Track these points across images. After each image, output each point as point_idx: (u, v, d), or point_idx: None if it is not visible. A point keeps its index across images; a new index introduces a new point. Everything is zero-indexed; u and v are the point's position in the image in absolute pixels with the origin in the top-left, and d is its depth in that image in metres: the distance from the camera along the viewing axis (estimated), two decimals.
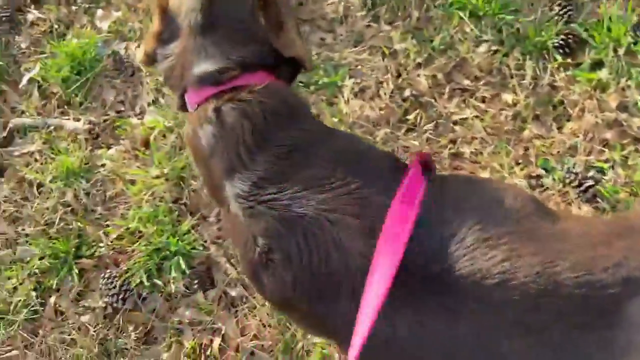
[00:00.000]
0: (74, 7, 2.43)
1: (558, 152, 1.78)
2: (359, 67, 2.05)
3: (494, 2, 2.00)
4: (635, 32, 1.87)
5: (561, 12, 1.95)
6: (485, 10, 2.01)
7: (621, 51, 1.84)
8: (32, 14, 2.44)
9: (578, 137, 1.78)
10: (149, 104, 2.13)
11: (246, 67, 1.06)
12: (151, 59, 1.16)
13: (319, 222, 0.91)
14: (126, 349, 1.74)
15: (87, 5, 2.42)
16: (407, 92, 1.97)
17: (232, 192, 1.00)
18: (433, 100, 1.94)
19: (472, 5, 2.02)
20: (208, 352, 1.70)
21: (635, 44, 1.86)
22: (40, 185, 2.05)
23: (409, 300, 0.86)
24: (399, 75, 2.00)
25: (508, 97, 1.89)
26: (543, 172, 1.76)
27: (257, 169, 0.98)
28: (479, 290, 0.83)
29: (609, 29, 1.88)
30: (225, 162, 1.01)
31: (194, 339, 1.72)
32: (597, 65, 1.88)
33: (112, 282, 1.79)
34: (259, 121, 1.01)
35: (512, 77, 1.91)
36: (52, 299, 1.85)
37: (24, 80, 2.28)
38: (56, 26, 2.38)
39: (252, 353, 1.68)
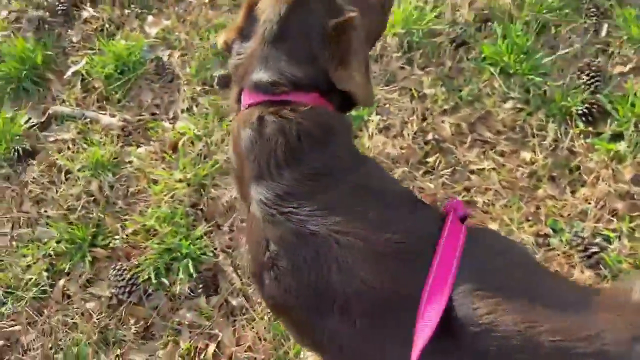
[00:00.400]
0: (127, 10, 2.56)
1: (568, 215, 1.82)
2: (387, 105, 2.13)
3: (525, 63, 2.09)
4: None
5: (589, 82, 2.02)
6: (516, 69, 2.09)
7: None
8: (87, 12, 2.58)
9: (590, 203, 1.83)
10: (182, 111, 2.23)
11: (298, 86, 1.13)
12: (228, 48, 1.25)
13: (329, 242, 0.98)
14: (124, 340, 1.79)
15: (139, 10, 2.55)
16: (430, 136, 2.04)
17: (256, 196, 1.07)
18: (454, 147, 2.00)
19: (503, 62, 2.11)
20: (202, 356, 1.74)
21: None
22: (68, 172, 2.14)
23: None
24: (425, 119, 2.08)
25: (527, 155, 1.95)
26: (551, 232, 1.80)
27: (283, 183, 1.05)
28: (464, 335, 0.88)
29: (633, 105, 1.94)
30: (256, 168, 1.09)
31: (190, 341, 1.77)
32: (617, 137, 1.93)
33: (121, 275, 1.85)
34: (293, 140, 1.08)
35: (533, 137, 1.97)
36: (62, 282, 1.91)
37: (69, 72, 2.40)
38: (107, 26, 2.51)
39: None
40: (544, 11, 2.21)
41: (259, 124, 1.11)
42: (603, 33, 2.17)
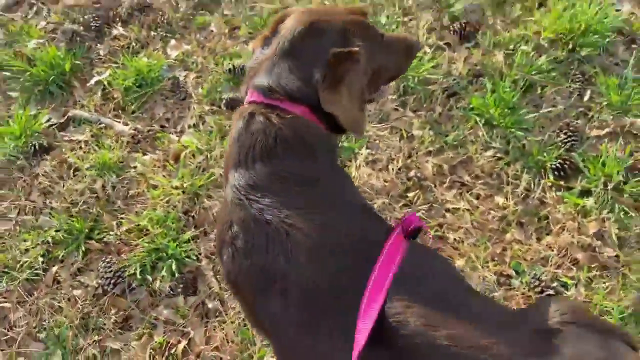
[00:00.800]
0: (153, 33, 2.80)
1: (531, 259, 1.93)
2: (377, 141, 2.29)
3: (509, 117, 2.24)
4: (627, 174, 2.06)
5: (565, 140, 2.17)
6: (500, 121, 2.25)
7: (610, 186, 2.03)
8: (117, 30, 2.83)
9: (552, 250, 1.94)
10: (189, 126, 2.42)
11: (291, 97, 1.28)
12: (254, 52, 1.43)
13: (280, 232, 1.12)
14: (103, 328, 1.91)
15: (164, 34, 2.79)
16: (412, 173, 2.18)
17: (231, 180, 1.23)
18: (433, 186, 2.14)
19: (489, 114, 2.27)
20: (172, 351, 1.85)
21: (625, 183, 2.04)
22: (77, 169, 2.32)
23: None
24: (410, 157, 2.23)
25: (500, 200, 2.08)
26: (513, 273, 1.91)
27: (254, 174, 1.20)
28: (384, 332, 1.01)
29: (604, 164, 2.07)
30: (236, 155, 1.25)
31: (163, 336, 1.88)
32: (586, 193, 2.06)
33: (109, 267, 1.99)
34: (270, 142, 1.23)
35: (508, 184, 2.11)
36: (55, 268, 2.06)
37: (93, 81, 2.62)
38: (134, 44, 2.74)
39: None
40: (533, 72, 2.38)
41: (249, 120, 1.27)
42: (586, 97, 2.33)
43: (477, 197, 2.12)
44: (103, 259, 2.03)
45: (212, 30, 2.79)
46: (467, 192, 2.13)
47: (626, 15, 2.54)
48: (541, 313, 1.07)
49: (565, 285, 1.86)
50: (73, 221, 2.13)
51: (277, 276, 1.09)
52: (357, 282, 1.07)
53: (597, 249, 1.93)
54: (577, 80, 2.37)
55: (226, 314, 1.91)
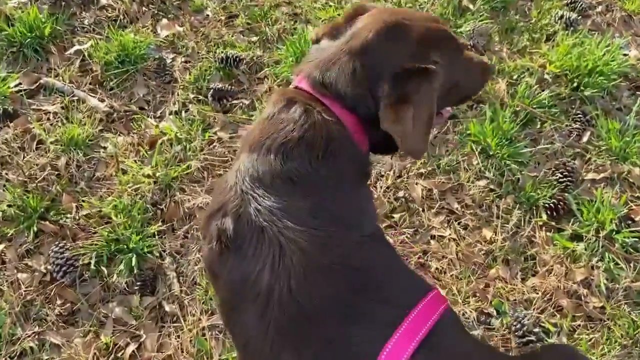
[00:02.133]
0: (144, 8, 2.63)
1: (515, 300, 1.83)
2: None
3: (505, 148, 2.15)
4: (621, 223, 1.99)
5: (561, 180, 2.09)
6: (496, 152, 2.16)
7: (602, 234, 1.95)
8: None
9: (537, 293, 1.84)
10: (170, 113, 2.25)
11: (343, 101, 1.15)
12: (316, 40, 1.28)
13: (274, 241, 0.98)
14: (45, 319, 1.73)
15: (156, 11, 2.62)
16: (401, 194, 2.07)
17: (240, 162, 1.10)
18: (421, 210, 2.03)
19: (486, 143, 2.18)
20: (119, 354, 1.68)
21: (617, 232, 1.96)
22: (40, 142, 2.13)
23: None
24: (400, 177, 2.12)
25: (488, 233, 1.98)
26: (494, 312, 1.81)
27: (263, 167, 1.06)
28: None
29: (598, 211, 2.00)
30: (257, 137, 1.12)
31: (111, 337, 1.71)
32: (577, 237, 1.98)
33: (62, 253, 1.81)
34: (293, 139, 1.08)
35: (498, 218, 2.01)
36: (1, 246, 1.86)
37: (72, 50, 2.43)
38: (122, 17, 2.57)
39: None
40: (535, 106, 2.30)
41: (287, 105, 1.14)
42: (585, 139, 2.26)
43: (465, 227, 2.01)
44: (56, 243, 1.85)
45: (207, 15, 2.64)
46: (456, 220, 2.02)
47: (633, 61, 2.49)
48: None
49: (547, 332, 1.76)
50: (28, 197, 1.93)
51: (261, 288, 0.96)
52: (352, 321, 0.95)
53: (582, 298, 1.84)
54: (578, 119, 2.30)
55: (184, 321, 1.75)
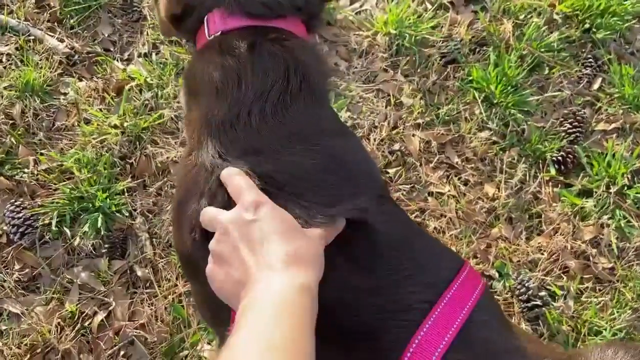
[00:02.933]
0: None
1: (518, 261, 1.70)
2: (360, 104, 1.97)
3: (510, 96, 1.97)
4: (633, 177, 1.84)
5: (570, 131, 1.92)
6: (500, 100, 1.97)
7: (613, 189, 1.80)
8: None
9: (542, 254, 1.71)
10: (139, 55, 2.01)
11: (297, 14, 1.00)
12: None
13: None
14: (2, 285, 1.55)
15: None
16: (396, 146, 1.89)
17: (207, 152, 0.90)
18: (418, 164, 1.86)
19: (489, 90, 1.98)
20: (87, 324, 1.52)
21: (629, 187, 1.82)
22: None
23: None
24: (395, 128, 1.93)
25: (490, 189, 1.82)
26: (496, 274, 1.67)
27: (257, 136, 0.86)
28: None
29: (609, 165, 1.84)
30: (225, 110, 0.91)
31: (77, 305, 1.54)
32: (586, 193, 1.83)
33: (19, 212, 1.61)
34: (296, 84, 0.90)
35: (501, 172, 1.85)
36: None
37: None
38: None
39: (132, 342, 1.51)
40: (542, 49, 2.10)
41: (251, 53, 0.89)
42: (595, 86, 2.08)
43: (466, 182, 1.85)
44: (12, 201, 1.64)
45: None
46: (455, 175, 1.85)
47: None
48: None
49: (553, 295, 1.64)
50: None
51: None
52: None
53: (591, 258, 1.71)
54: (589, 65, 2.10)
55: (158, 286, 1.58)
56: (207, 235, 0.80)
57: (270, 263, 0.67)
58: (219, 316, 0.90)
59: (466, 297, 0.80)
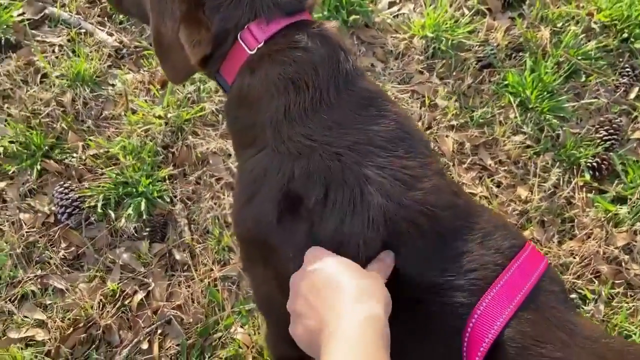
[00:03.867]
0: None
1: (550, 263, 1.70)
2: None
3: (546, 101, 1.98)
4: None
5: (605, 138, 1.92)
6: (535, 105, 1.99)
7: None
8: None
9: (575, 258, 1.71)
10: None
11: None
12: None
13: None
14: (48, 262, 1.63)
15: None
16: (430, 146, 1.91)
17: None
18: (451, 165, 1.88)
19: (524, 95, 2.00)
20: (126, 302, 1.58)
21: None
22: (45, 76, 1.98)
23: None
24: (430, 128, 1.96)
25: (523, 192, 1.84)
26: None
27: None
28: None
29: None
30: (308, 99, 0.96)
31: (118, 283, 1.61)
32: (620, 200, 1.83)
33: (67, 194, 1.69)
34: (350, 68, 0.97)
35: (535, 176, 1.86)
36: (2, 184, 1.74)
37: None
38: None
39: (169, 322, 1.56)
40: (579, 57, 2.11)
41: (313, 42, 0.93)
42: (632, 95, 2.08)
43: (498, 184, 1.87)
44: (61, 183, 1.73)
45: None
46: (488, 177, 1.87)
47: None
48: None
49: (584, 299, 1.64)
50: (32, 134, 1.80)
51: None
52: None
53: (623, 264, 1.71)
54: (626, 74, 2.11)
55: (195, 270, 1.64)
56: (281, 217, 0.87)
57: (338, 303, 0.71)
58: (272, 304, 0.97)
59: (534, 265, 0.84)
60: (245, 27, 0.94)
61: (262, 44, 0.94)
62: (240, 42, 0.94)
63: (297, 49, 0.92)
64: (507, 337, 0.77)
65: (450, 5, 2.20)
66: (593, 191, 1.85)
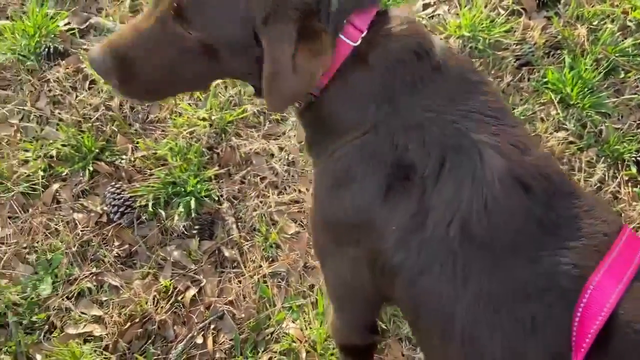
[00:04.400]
0: None
1: None
2: None
3: (587, 98, 1.98)
4: None
5: None
6: (577, 102, 1.98)
7: None
8: None
9: None
10: None
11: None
12: None
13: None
14: (103, 260, 1.67)
15: None
16: None
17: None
18: None
19: (565, 92, 2.00)
20: (179, 298, 1.61)
21: None
22: (93, 82, 2.04)
23: None
24: None
25: None
26: None
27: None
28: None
29: None
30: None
31: (170, 280, 1.64)
32: None
33: (119, 194, 1.74)
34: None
35: (580, 171, 1.86)
36: (56, 186, 1.80)
37: None
38: None
39: (221, 317, 1.59)
40: (617, 54, 2.11)
41: (411, 27, 0.97)
42: None
43: None
44: (112, 184, 1.77)
45: None
46: None
47: None
48: None
49: None
50: (83, 137, 1.86)
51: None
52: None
53: None
54: None
55: (245, 267, 1.67)
56: (388, 191, 0.91)
57: None
58: (353, 288, 1.01)
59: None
60: (346, 21, 0.93)
61: (364, 34, 0.94)
62: (342, 37, 0.93)
63: (394, 34, 0.95)
64: (624, 307, 0.78)
65: (485, 6, 2.21)
66: (639, 185, 1.84)
